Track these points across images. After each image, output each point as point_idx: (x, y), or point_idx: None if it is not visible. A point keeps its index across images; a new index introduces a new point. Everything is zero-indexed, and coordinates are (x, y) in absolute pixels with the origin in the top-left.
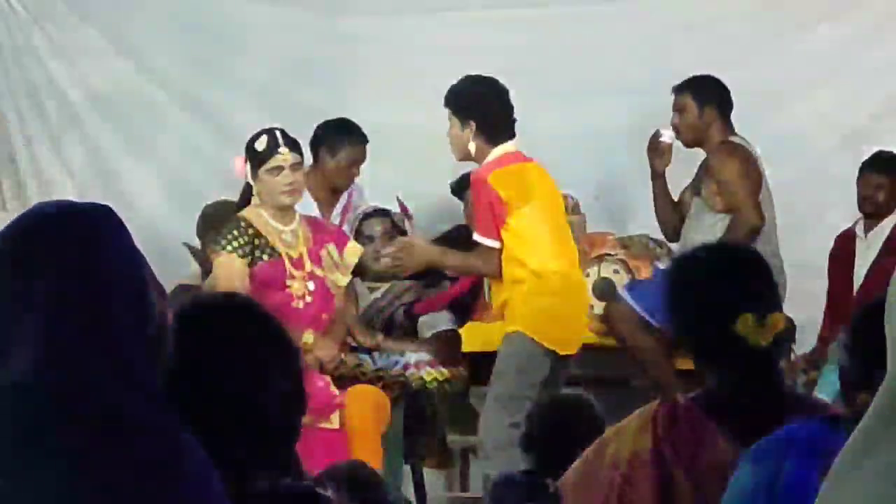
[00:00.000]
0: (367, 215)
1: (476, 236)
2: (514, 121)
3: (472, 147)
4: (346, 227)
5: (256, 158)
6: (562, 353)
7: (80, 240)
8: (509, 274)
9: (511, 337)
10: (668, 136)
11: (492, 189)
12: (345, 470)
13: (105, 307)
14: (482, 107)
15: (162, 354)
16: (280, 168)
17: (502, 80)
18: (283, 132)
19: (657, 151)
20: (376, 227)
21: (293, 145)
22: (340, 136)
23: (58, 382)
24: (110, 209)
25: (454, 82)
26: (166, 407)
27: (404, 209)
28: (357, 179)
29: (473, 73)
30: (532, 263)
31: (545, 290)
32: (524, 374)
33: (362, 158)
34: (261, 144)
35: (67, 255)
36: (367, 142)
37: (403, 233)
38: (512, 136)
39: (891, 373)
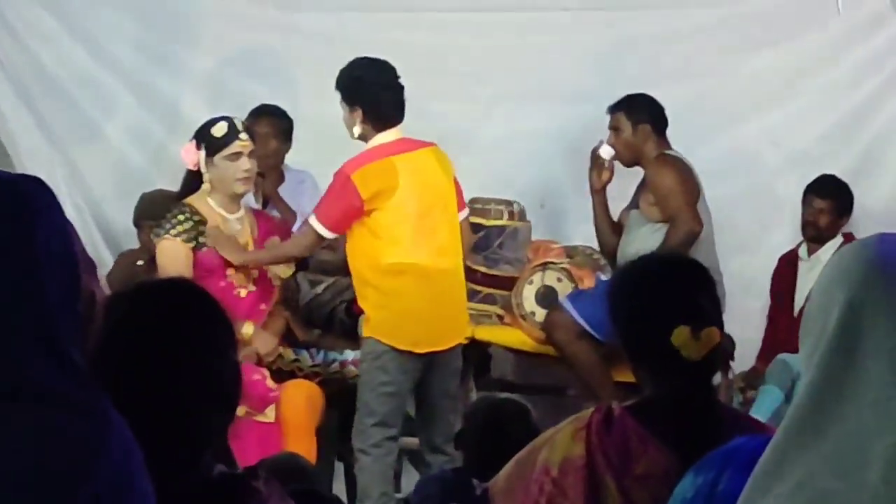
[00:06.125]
0: None
1: (311, 218)
2: (402, 104)
3: (357, 130)
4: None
5: (214, 144)
6: (420, 352)
7: (11, 211)
8: (360, 273)
9: (365, 341)
10: (606, 151)
11: (353, 188)
12: (279, 461)
13: (33, 280)
14: (368, 92)
15: (89, 331)
16: (239, 154)
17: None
18: (239, 120)
19: (597, 165)
20: None
21: (249, 133)
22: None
23: None
24: (42, 181)
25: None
26: (91, 385)
27: None
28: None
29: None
30: (387, 258)
31: (396, 290)
32: (383, 377)
33: (268, 133)
34: (219, 130)
35: None
36: (265, 115)
37: None
38: (398, 121)
39: (799, 395)
